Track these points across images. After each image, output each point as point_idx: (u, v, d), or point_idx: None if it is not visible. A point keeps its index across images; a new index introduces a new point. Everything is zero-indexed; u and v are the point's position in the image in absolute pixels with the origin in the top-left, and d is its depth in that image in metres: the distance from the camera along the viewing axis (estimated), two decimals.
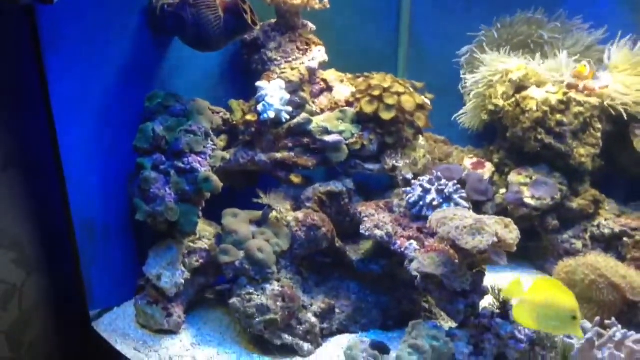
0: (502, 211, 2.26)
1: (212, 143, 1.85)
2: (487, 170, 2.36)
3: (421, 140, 2.31)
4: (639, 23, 2.49)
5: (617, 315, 1.78)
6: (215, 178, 1.80)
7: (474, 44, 2.57)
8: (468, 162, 2.41)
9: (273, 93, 1.92)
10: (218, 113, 1.94)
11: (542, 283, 1.51)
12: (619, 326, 1.59)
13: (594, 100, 2.14)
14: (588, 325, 1.61)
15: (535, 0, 2.59)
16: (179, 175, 1.78)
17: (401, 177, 2.13)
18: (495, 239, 1.64)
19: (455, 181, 2.08)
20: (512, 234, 1.68)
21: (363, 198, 2.15)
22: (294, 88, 2.02)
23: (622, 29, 2.38)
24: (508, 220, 1.74)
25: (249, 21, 1.74)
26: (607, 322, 1.60)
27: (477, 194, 2.26)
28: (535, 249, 2.38)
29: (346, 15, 2.66)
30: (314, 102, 2.11)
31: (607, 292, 1.78)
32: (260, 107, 1.93)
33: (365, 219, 1.94)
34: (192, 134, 1.80)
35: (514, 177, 2.26)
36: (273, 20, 2.14)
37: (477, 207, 2.27)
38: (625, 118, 2.13)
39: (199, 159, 1.80)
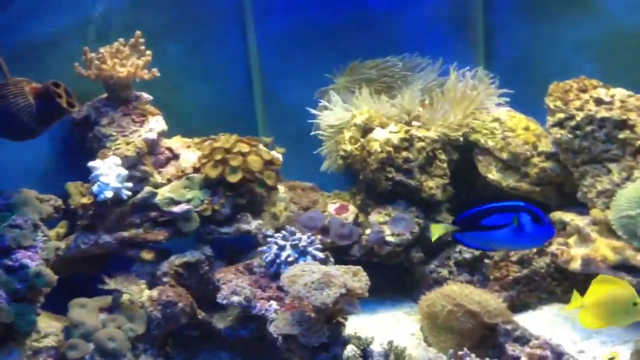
0: (369, 252, 2.29)
1: (42, 234, 1.75)
2: (350, 213, 2.38)
3: (282, 193, 2.31)
4: (475, 57, 2.66)
5: (479, 339, 1.83)
6: (47, 271, 1.70)
7: (328, 88, 2.62)
8: (332, 207, 2.43)
9: (108, 171, 1.86)
10: (48, 201, 1.85)
11: (598, 284, 1.58)
12: (472, 355, 1.62)
13: (433, 134, 2.24)
14: (443, 359, 1.63)
15: (376, 46, 2.71)
16: (8, 274, 1.67)
17: (261, 235, 2.12)
18: (344, 290, 1.64)
19: (311, 232, 2.10)
20: (361, 282, 1.70)
21: (227, 262, 2.11)
22: (132, 162, 1.97)
23: (459, 61, 2.52)
24: (356, 268, 1.75)
25: (64, 104, 1.68)
26: (459, 352, 1.63)
27: (341, 239, 2.27)
28: (410, 283, 2.42)
29: (195, 78, 2.67)
30: (159, 173, 2.07)
31: (465, 319, 1.81)
32: (95, 188, 1.86)
33: (223, 285, 1.90)
34: (17, 228, 1.70)
35: (374, 216, 2.30)
36: (104, 95, 2.09)
37: (345, 251, 2.28)
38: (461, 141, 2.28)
39: (29, 253, 1.70)
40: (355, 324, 2.16)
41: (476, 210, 1.68)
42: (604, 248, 1.90)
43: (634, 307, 1.50)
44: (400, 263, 2.31)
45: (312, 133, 2.51)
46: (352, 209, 2.41)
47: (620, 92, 2.04)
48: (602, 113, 2.00)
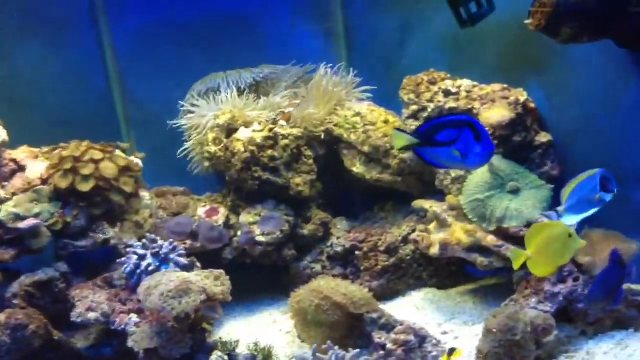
0: (241, 253, 2.26)
1: None
2: (221, 215, 2.33)
3: (147, 199, 2.22)
4: (337, 52, 2.69)
5: (348, 330, 1.86)
6: None
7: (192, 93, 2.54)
8: (202, 210, 2.37)
9: None
10: None
11: (532, 234, 1.55)
12: (335, 348, 1.64)
13: (296, 131, 2.24)
14: (308, 355, 1.64)
15: (241, 42, 2.67)
16: None
17: (123, 246, 2.02)
18: (204, 297, 1.60)
19: (180, 238, 2.05)
20: (223, 286, 1.68)
21: (88, 277, 1.99)
22: None
23: (323, 57, 2.53)
24: (219, 272, 1.72)
25: None
26: (323, 347, 1.64)
27: (211, 242, 2.22)
28: (287, 281, 2.41)
29: (49, 83, 2.51)
30: (3, 187, 1.91)
31: (332, 312, 1.83)
32: None
33: (78, 303, 1.79)
34: None
35: (244, 217, 2.27)
36: None
37: (217, 255, 2.24)
38: (322, 137, 2.31)
39: None
40: (231, 327, 2.15)
41: (431, 124, 1.57)
42: (459, 232, 2.00)
43: (570, 238, 1.51)
44: (275, 262, 2.30)
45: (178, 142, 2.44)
46: (223, 211, 2.36)
47: (465, 83, 2.15)
48: (450, 103, 2.10)
